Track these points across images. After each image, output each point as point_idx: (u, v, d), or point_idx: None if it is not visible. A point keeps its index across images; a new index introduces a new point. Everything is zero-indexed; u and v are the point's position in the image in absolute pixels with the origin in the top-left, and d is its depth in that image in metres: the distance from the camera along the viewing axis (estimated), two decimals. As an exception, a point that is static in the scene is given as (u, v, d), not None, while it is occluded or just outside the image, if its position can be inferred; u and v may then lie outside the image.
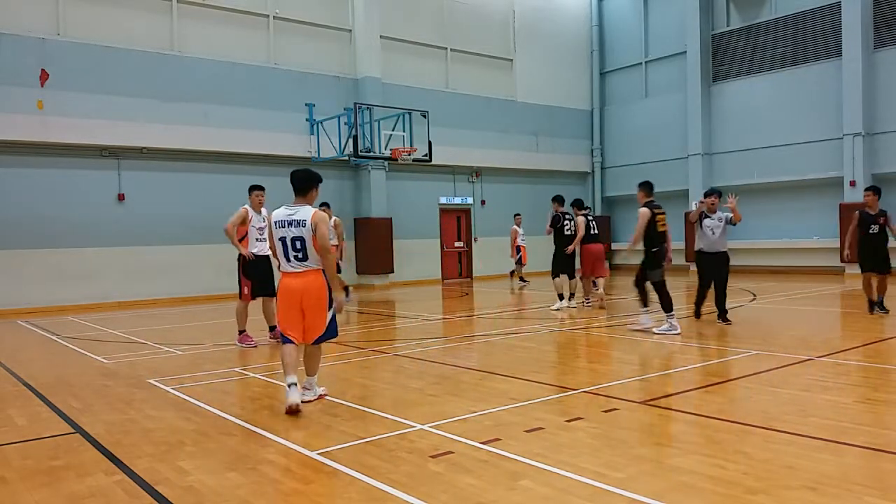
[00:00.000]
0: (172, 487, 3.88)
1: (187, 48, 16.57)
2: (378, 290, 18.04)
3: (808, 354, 7.28)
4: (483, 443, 4.48)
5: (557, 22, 23.94)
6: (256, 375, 7.17)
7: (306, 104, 18.11)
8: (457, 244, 21.75)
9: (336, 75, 18.90)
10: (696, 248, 10.01)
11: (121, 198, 15.73)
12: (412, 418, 5.14)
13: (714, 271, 9.82)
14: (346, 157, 17.96)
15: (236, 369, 7.45)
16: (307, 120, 18.13)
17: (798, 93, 19.72)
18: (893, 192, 18.28)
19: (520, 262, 18.35)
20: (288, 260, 5.58)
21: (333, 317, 5.73)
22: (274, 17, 17.93)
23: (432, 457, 4.25)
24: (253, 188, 9.04)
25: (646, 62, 23.86)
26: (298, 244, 5.52)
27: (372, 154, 17.62)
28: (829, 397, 5.53)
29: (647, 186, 9.58)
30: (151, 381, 6.96)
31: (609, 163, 25.04)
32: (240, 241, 8.83)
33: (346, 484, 3.87)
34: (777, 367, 6.70)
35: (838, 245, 18.54)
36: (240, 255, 8.86)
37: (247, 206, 8.93)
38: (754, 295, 13.99)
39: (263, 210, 8.97)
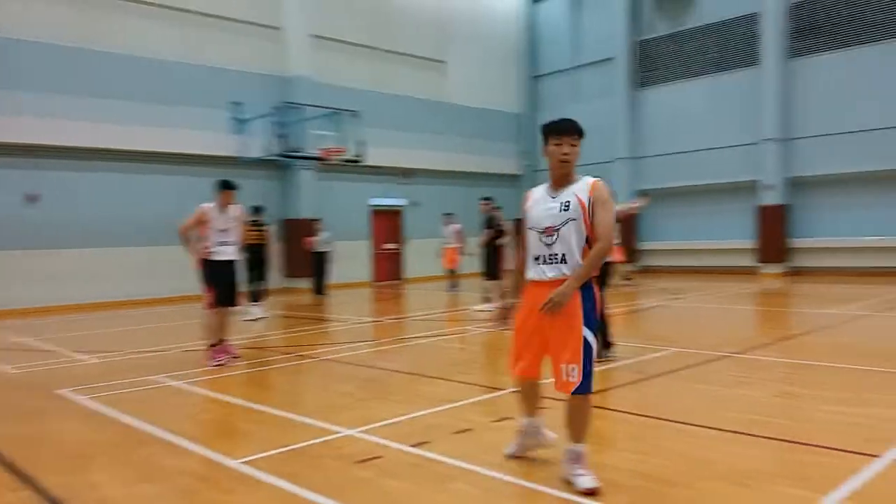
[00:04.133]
0: (83, 502, 3.68)
1: (101, 42, 15.78)
2: (306, 294, 17.69)
3: (725, 351, 7.55)
4: (412, 446, 4.44)
5: (489, 25, 24.12)
6: (177, 384, 6.91)
7: (233, 103, 17.62)
8: (388, 246, 21.63)
9: (265, 73, 18.47)
10: None
11: (33, 199, 14.88)
12: (340, 423, 5.05)
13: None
14: (274, 158, 17.58)
15: (154, 377, 7.15)
16: (234, 119, 17.64)
17: (721, 99, 20.51)
18: (807, 195, 19.27)
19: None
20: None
21: None
22: (196, 11, 17.33)
23: (360, 462, 4.18)
24: (220, 185, 7.99)
25: (576, 67, 24.30)
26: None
27: (301, 154, 17.30)
28: (744, 392, 5.74)
29: (253, 210, 12.36)
30: (63, 391, 6.60)
31: (540, 166, 25.35)
32: (199, 243, 7.84)
33: (269, 493, 3.75)
34: (695, 364, 6.92)
35: (754, 246, 19.44)
36: (201, 259, 7.95)
37: (208, 205, 7.90)
38: (673, 294, 14.44)
39: (232, 209, 7.95)
